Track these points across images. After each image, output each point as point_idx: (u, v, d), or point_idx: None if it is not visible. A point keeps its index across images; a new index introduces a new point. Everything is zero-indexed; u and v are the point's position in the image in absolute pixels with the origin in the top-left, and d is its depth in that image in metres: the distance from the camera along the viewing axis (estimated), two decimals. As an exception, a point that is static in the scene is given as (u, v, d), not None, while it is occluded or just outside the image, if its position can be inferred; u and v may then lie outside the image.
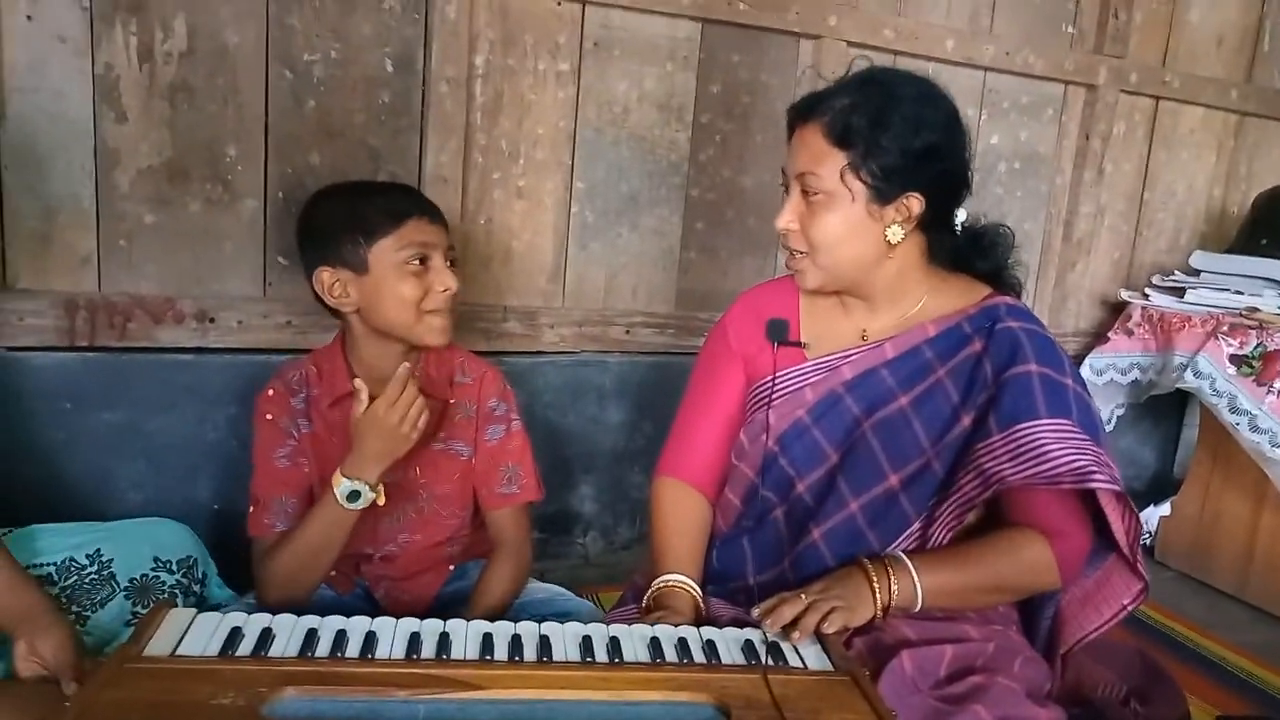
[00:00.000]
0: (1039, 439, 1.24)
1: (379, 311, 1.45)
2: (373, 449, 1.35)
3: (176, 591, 1.51)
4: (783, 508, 1.42)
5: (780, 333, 1.43)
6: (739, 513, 1.47)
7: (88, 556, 1.45)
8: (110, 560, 1.46)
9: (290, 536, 1.39)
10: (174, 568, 1.52)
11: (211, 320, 1.89)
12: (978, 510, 1.33)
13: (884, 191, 1.29)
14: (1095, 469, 1.22)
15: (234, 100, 1.84)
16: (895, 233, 1.32)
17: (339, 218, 1.45)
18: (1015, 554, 1.29)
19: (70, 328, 1.79)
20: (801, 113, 1.33)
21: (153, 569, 1.50)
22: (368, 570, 1.57)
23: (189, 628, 1.10)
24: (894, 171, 1.28)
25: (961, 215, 1.38)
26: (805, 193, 1.32)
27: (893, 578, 1.23)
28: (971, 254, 1.43)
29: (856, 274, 1.36)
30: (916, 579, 1.24)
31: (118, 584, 1.45)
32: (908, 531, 1.33)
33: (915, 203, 1.31)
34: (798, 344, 1.44)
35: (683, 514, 1.48)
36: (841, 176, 1.28)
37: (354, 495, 1.35)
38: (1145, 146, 2.83)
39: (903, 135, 1.27)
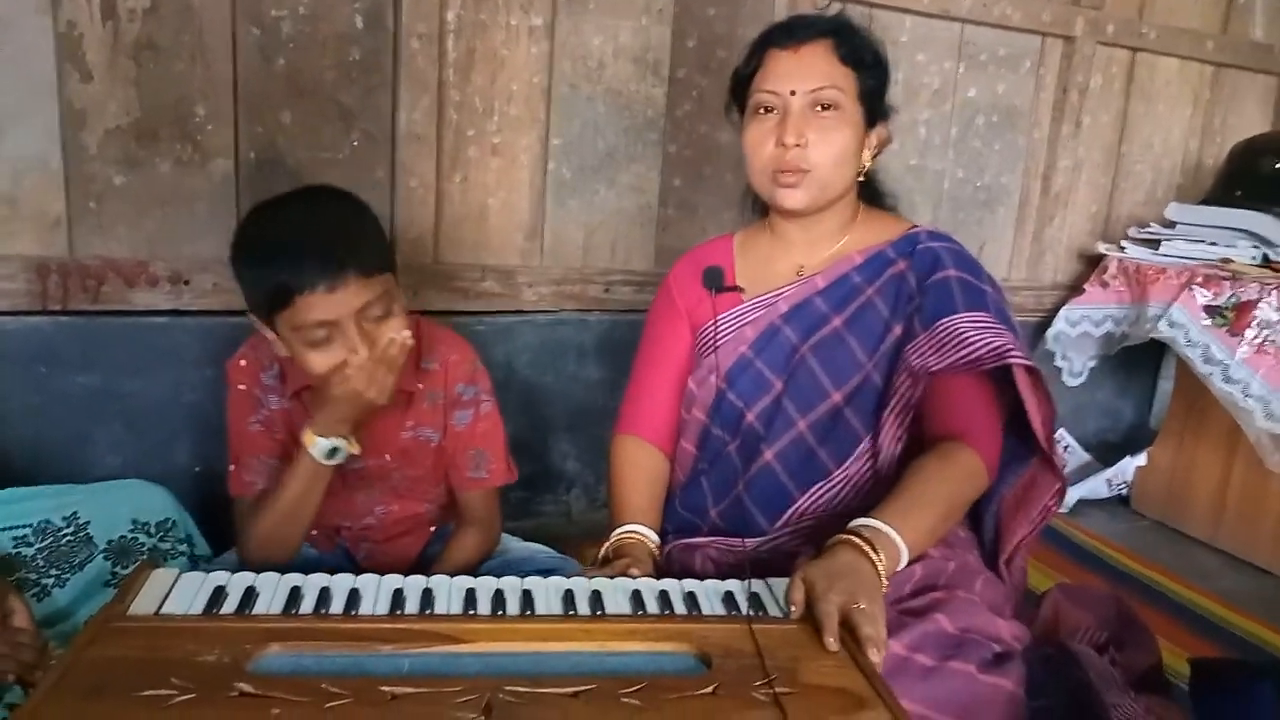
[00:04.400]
0: (958, 328, 1.32)
1: (302, 369, 1.35)
2: (342, 412, 1.32)
3: (158, 556, 1.50)
4: (735, 442, 1.46)
5: (716, 279, 1.49)
6: (694, 457, 1.52)
7: (64, 519, 1.44)
8: (87, 523, 1.45)
9: (270, 497, 1.38)
10: (152, 530, 1.52)
11: (186, 282, 1.87)
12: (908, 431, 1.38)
13: (872, 117, 1.41)
14: (1011, 347, 1.30)
15: (201, 58, 1.81)
16: (867, 157, 1.44)
17: (247, 276, 1.33)
18: (956, 471, 1.31)
19: (42, 291, 1.76)
20: (799, 33, 1.38)
21: (131, 531, 1.49)
22: (348, 534, 1.57)
23: (173, 587, 1.10)
24: (877, 99, 1.41)
25: None
26: (819, 107, 1.36)
27: (882, 553, 1.16)
28: (879, 189, 1.55)
29: (838, 193, 1.43)
30: (899, 543, 1.18)
31: (95, 546, 1.44)
32: (859, 448, 1.39)
33: (884, 130, 1.44)
34: (734, 288, 1.50)
35: (639, 468, 1.52)
36: (856, 96, 1.38)
37: (333, 452, 1.34)
38: (1122, 99, 2.83)
39: (881, 67, 1.41)
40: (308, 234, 1.28)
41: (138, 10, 1.74)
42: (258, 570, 1.31)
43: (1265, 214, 2.49)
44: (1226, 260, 2.44)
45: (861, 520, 1.21)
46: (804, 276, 1.47)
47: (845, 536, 1.18)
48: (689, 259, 1.58)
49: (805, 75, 1.36)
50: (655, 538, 1.43)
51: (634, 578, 1.23)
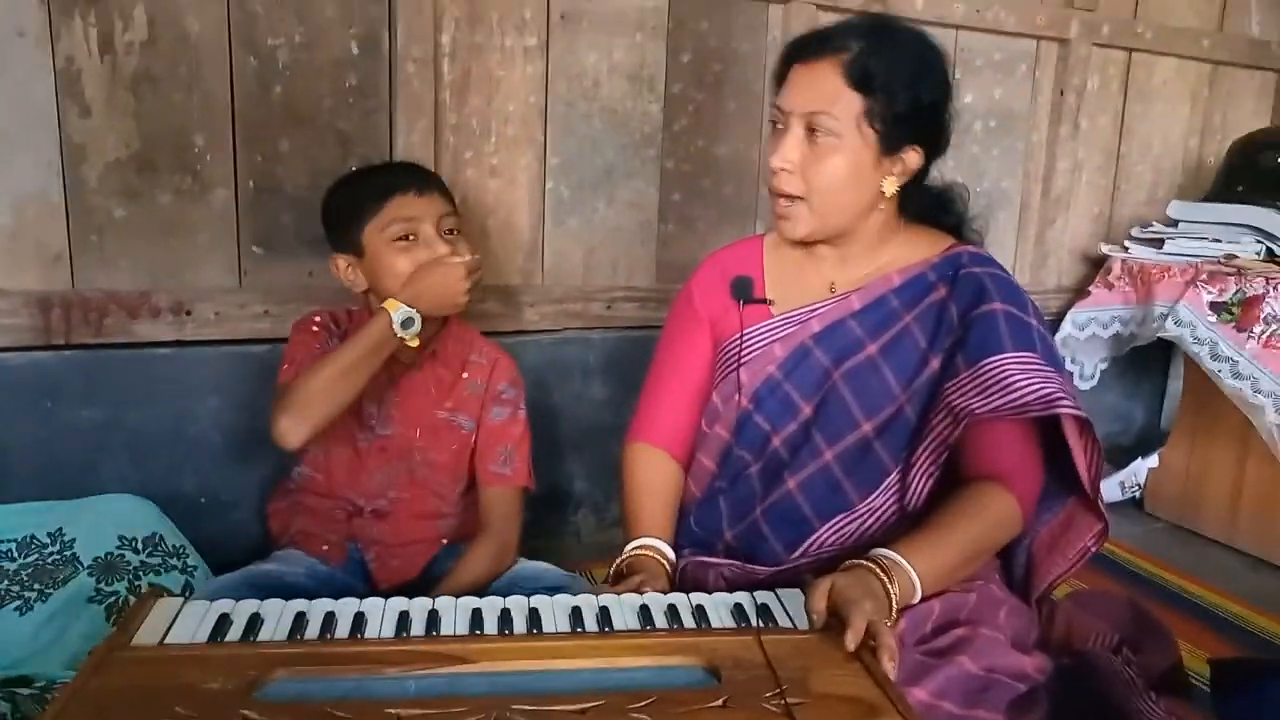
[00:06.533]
0: (1006, 370, 1.26)
1: (383, 290, 1.51)
2: (429, 292, 1.47)
3: (146, 571, 1.49)
4: (758, 464, 1.42)
5: (745, 290, 1.44)
6: (713, 474, 1.47)
7: (49, 535, 1.44)
8: (73, 540, 1.45)
9: (328, 356, 1.44)
10: (139, 546, 1.51)
11: (188, 313, 1.87)
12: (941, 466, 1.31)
13: (892, 142, 1.30)
14: (1062, 395, 1.24)
15: (198, 89, 1.82)
16: (890, 184, 1.33)
17: (337, 205, 1.57)
18: (987, 515, 1.28)
19: (46, 326, 1.77)
20: (813, 48, 1.32)
21: (118, 548, 1.48)
22: (359, 527, 1.59)
23: (177, 616, 1.10)
24: (904, 122, 1.30)
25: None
26: (812, 132, 1.30)
27: (896, 585, 1.15)
28: (939, 208, 1.45)
29: (847, 222, 1.36)
30: (914, 577, 1.18)
31: (80, 563, 1.43)
32: (886, 481, 1.33)
33: (915, 156, 1.33)
34: (763, 300, 1.44)
35: (653, 478, 1.48)
36: (858, 121, 1.28)
37: (408, 322, 1.45)
38: (1120, 100, 2.83)
39: (914, 86, 1.29)
40: (399, 164, 1.72)
41: (135, 43, 1.75)
42: (284, 433, 1.39)
43: (1267, 208, 2.47)
44: (1231, 256, 2.43)
45: (881, 550, 1.20)
46: (838, 294, 1.41)
47: (862, 561, 1.18)
48: (715, 263, 1.52)
49: (803, 96, 1.30)
50: (670, 553, 1.39)
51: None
